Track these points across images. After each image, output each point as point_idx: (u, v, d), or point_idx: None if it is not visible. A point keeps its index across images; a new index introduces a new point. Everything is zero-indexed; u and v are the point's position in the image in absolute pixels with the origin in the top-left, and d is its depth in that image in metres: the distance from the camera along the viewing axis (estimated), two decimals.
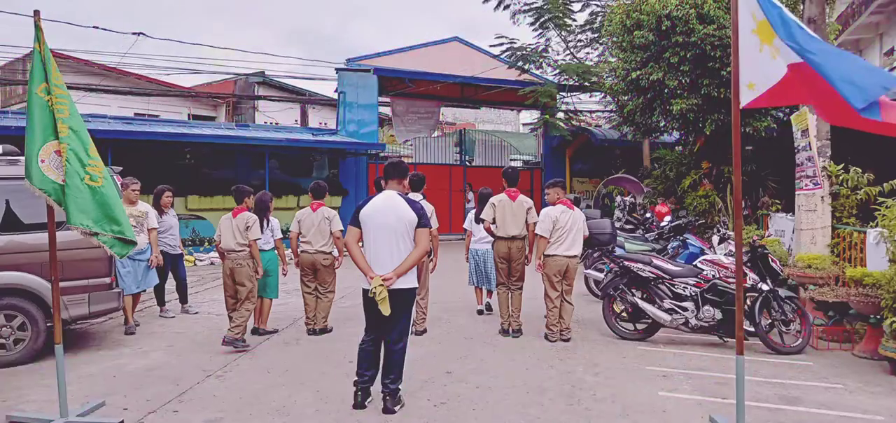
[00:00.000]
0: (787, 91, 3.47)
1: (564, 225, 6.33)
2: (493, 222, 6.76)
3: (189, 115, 22.03)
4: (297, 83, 23.71)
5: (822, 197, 7.34)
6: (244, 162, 14.60)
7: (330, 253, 6.66)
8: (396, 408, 4.36)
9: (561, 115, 17.93)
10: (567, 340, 6.41)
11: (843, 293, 6.19)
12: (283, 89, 23.64)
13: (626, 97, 11.73)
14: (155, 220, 7.18)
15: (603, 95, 17.11)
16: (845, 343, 6.23)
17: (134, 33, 14.49)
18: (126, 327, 6.75)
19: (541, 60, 16.96)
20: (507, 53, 16.91)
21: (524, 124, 29.58)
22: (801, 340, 6.03)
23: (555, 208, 6.44)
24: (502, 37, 17.01)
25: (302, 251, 6.63)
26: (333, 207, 17.09)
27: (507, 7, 16.82)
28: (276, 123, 21.27)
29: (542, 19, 16.51)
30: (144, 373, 5.34)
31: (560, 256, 6.34)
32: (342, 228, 6.16)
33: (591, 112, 20.55)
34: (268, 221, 6.70)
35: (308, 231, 6.58)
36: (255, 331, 6.69)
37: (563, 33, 16.95)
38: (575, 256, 6.42)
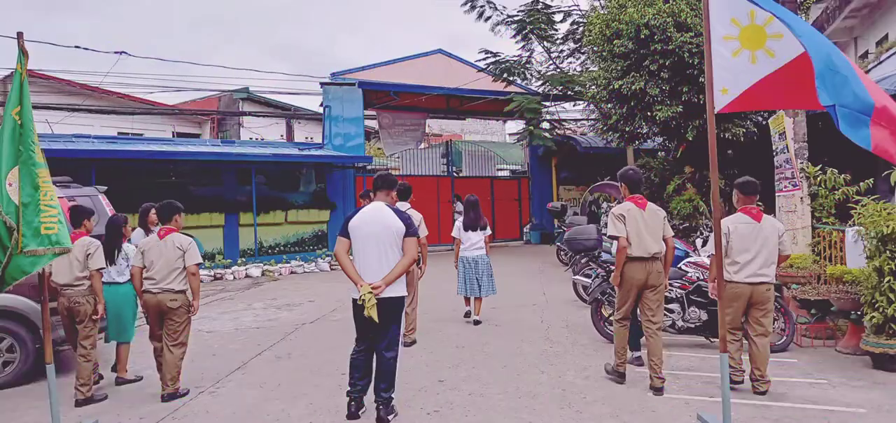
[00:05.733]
0: (761, 96, 3.60)
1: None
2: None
3: (173, 132, 21.91)
4: (283, 98, 23.62)
5: (802, 198, 7.52)
6: (230, 178, 14.57)
7: (182, 292, 5.17)
8: (390, 418, 4.39)
9: (545, 125, 18.10)
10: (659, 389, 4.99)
11: (824, 291, 6.35)
12: (269, 105, 23.61)
13: (609, 106, 11.91)
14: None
15: (586, 103, 17.33)
16: (828, 340, 6.37)
17: (116, 52, 14.42)
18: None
19: (524, 71, 17.15)
20: (491, 66, 17.09)
21: (510, 134, 29.78)
22: (784, 338, 6.16)
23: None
24: (486, 51, 17.11)
25: (145, 291, 5.14)
26: (322, 221, 16.98)
27: (487, 19, 17.02)
28: (262, 139, 21.24)
29: (524, 31, 16.71)
30: (136, 390, 5.33)
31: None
32: (200, 261, 5.22)
33: (575, 121, 20.78)
34: (120, 249, 5.57)
35: (153, 265, 5.08)
36: (118, 382, 5.59)
37: (545, 44, 17.15)
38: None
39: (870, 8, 15.06)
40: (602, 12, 11.53)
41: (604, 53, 11.10)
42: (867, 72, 15.23)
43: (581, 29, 16.16)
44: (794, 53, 3.38)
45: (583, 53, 16.69)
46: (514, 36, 16.88)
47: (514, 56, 17.19)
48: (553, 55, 17.37)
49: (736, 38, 3.59)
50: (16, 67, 3.96)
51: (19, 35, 4.05)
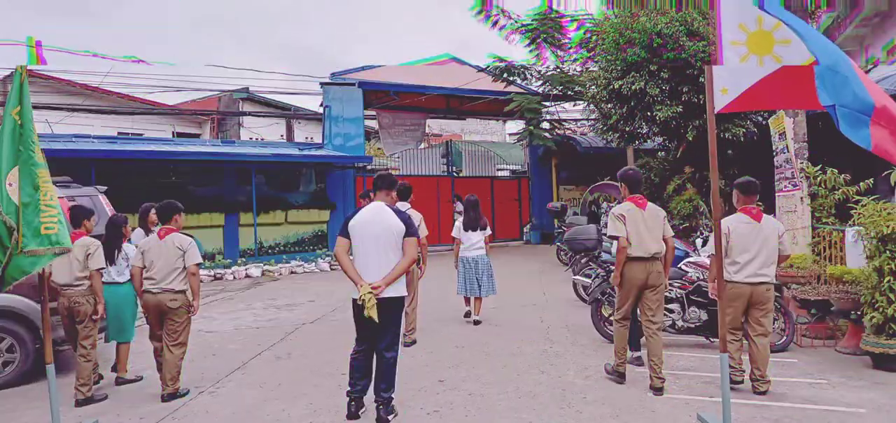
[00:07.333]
0: (761, 96, 3.60)
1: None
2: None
3: (173, 132, 21.92)
4: (283, 98, 23.64)
5: (802, 198, 7.52)
6: (230, 178, 14.58)
7: (182, 292, 5.13)
8: (390, 418, 4.39)
9: (545, 125, 18.09)
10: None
11: (824, 291, 6.35)
12: (269, 105, 23.63)
13: (609, 106, 11.90)
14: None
15: (586, 103, 17.29)
16: (828, 340, 6.37)
17: (134, 60, 14.32)
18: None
19: (524, 72, 17.12)
20: (491, 66, 17.06)
21: (510, 134, 29.75)
22: (784, 337, 6.16)
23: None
24: (498, 58, 17.00)
25: (145, 291, 5.12)
26: (322, 221, 16.97)
27: (502, 28, 16.90)
28: (262, 139, 21.24)
29: (536, 40, 16.61)
30: (136, 390, 5.33)
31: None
32: (200, 261, 5.20)
33: (575, 121, 20.77)
34: (120, 249, 5.57)
35: (153, 265, 5.06)
36: (118, 381, 5.58)
37: (556, 52, 17.07)
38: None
39: (881, 16, 15.00)
40: (614, 20, 11.48)
41: (617, 63, 11.04)
42: (867, 72, 15.23)
43: (593, 37, 16.04)
44: (802, 60, 3.39)
45: (596, 63, 16.57)
46: (528, 45, 16.73)
47: (522, 61, 17.15)
48: (564, 63, 17.27)
49: (744, 44, 3.58)
50: (16, 67, 3.97)
51: (38, 44, 4.06)
